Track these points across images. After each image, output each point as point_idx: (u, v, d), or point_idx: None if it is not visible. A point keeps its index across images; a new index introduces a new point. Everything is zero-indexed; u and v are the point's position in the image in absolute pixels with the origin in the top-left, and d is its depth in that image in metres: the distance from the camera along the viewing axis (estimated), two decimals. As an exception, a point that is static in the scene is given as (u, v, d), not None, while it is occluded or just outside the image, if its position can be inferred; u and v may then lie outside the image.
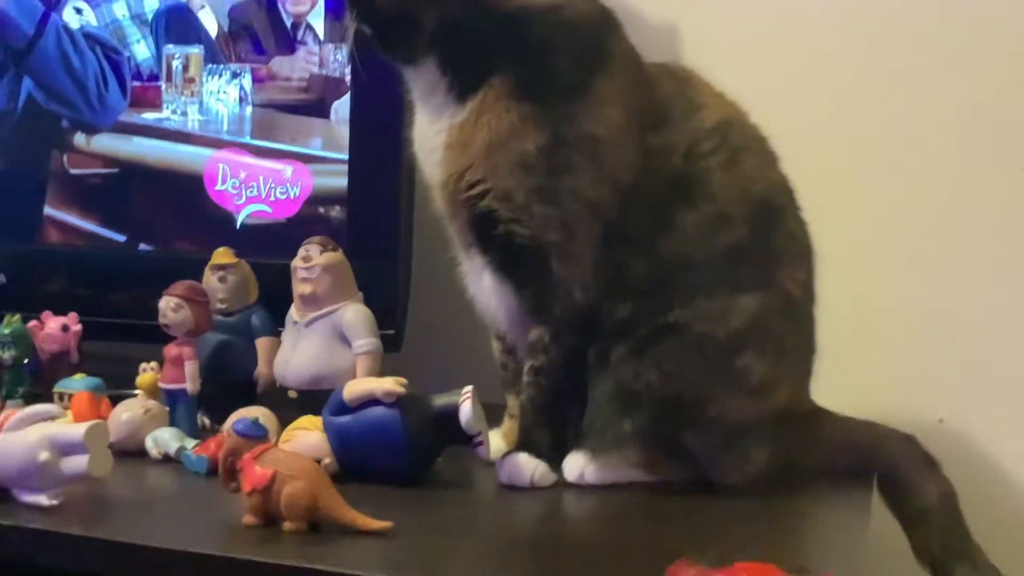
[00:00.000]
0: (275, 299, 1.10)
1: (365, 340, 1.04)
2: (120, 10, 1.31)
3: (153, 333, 1.05)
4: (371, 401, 0.92)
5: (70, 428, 0.85)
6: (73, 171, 1.34)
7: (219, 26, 1.28)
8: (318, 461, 0.87)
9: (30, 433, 0.85)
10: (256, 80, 1.26)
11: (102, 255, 1.33)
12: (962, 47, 1.18)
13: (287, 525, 0.80)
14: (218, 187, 1.26)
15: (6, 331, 1.14)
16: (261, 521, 0.81)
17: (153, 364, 1.06)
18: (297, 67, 1.25)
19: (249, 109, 1.27)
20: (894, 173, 1.21)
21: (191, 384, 1.03)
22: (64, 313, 1.19)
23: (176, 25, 1.30)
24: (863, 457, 1.01)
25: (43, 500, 0.84)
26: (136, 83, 1.31)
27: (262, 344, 1.11)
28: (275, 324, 1.11)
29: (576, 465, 0.95)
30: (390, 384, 0.92)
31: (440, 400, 0.94)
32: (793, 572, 0.69)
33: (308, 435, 0.94)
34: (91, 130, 1.33)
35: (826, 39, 1.22)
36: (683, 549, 0.73)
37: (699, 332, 0.94)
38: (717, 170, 0.96)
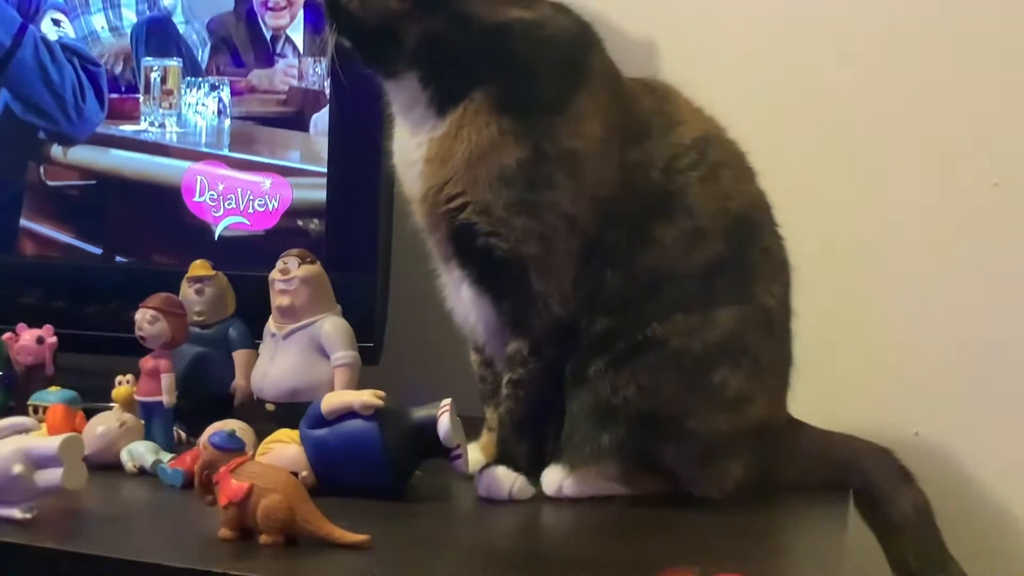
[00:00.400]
0: (253, 311, 1.10)
1: (343, 353, 1.04)
2: (99, 22, 1.31)
3: (129, 345, 1.05)
4: (349, 414, 0.92)
5: (44, 441, 0.85)
6: (50, 183, 1.34)
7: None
8: (295, 474, 0.86)
9: (4, 446, 0.84)
10: (235, 93, 1.26)
11: (78, 267, 1.32)
12: (936, 64, 1.20)
13: (264, 538, 0.79)
14: (196, 199, 1.26)
15: (-21, 344, 1.13)
16: (237, 534, 0.80)
17: (129, 377, 1.05)
18: (276, 80, 1.25)
19: (228, 121, 1.27)
20: (870, 188, 1.22)
21: (167, 397, 1.03)
22: (39, 325, 1.18)
23: (155, 37, 1.29)
24: (840, 470, 1.02)
25: (16, 513, 0.83)
26: (114, 95, 1.30)
27: (239, 356, 1.11)
28: (252, 336, 1.11)
29: (554, 478, 0.96)
30: (368, 397, 0.92)
31: (418, 413, 0.93)
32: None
33: (285, 448, 0.94)
34: (68, 142, 1.32)
35: (803, 56, 1.23)
36: (661, 562, 0.73)
37: (676, 346, 0.94)
38: (695, 185, 0.96)
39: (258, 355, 1.08)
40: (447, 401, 0.93)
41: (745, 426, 0.97)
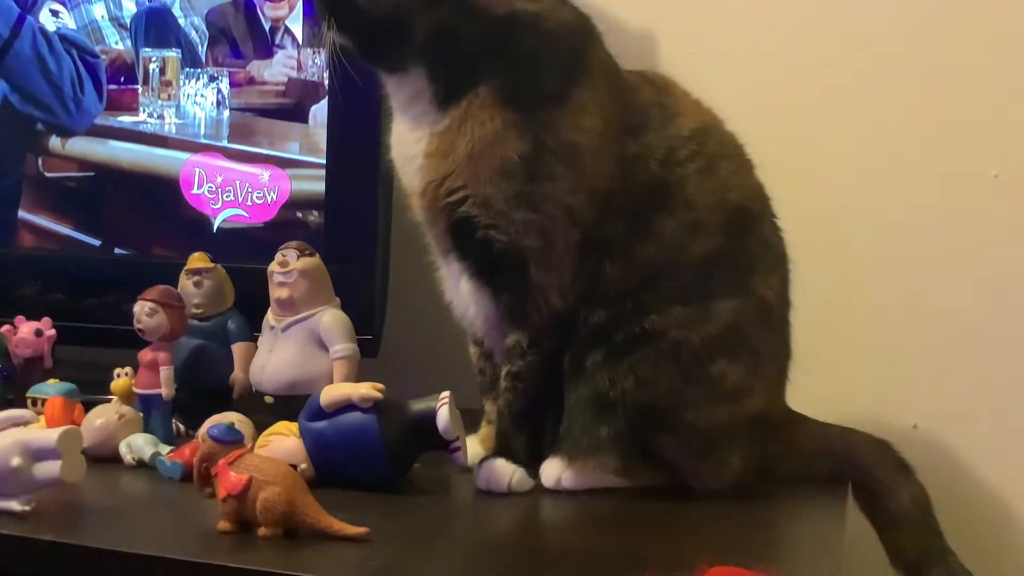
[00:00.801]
0: (252, 304, 1.09)
1: (342, 345, 1.04)
2: (99, 11, 1.30)
3: (128, 338, 1.05)
4: (348, 406, 0.92)
5: (43, 433, 0.85)
6: (48, 174, 1.33)
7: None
8: (294, 467, 0.86)
9: (2, 438, 0.84)
10: (233, 84, 1.26)
11: (77, 259, 1.32)
12: (936, 56, 1.19)
13: (262, 531, 0.79)
14: (194, 191, 1.26)
15: (-22, 336, 1.13)
16: (236, 527, 0.80)
17: (127, 369, 1.05)
18: (275, 71, 1.25)
19: (226, 113, 1.26)
20: (869, 179, 1.21)
21: (166, 389, 1.03)
22: (38, 318, 1.18)
23: (154, 28, 1.29)
24: (838, 463, 1.02)
25: (15, 506, 0.83)
26: (112, 86, 1.30)
27: (238, 349, 1.11)
28: (251, 329, 1.11)
29: (553, 471, 0.96)
30: (367, 389, 0.92)
31: (417, 405, 0.93)
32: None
33: (284, 440, 0.94)
34: (66, 133, 1.32)
35: (802, 48, 1.23)
36: (660, 554, 0.73)
37: (674, 339, 0.94)
38: (693, 177, 0.96)
39: (257, 348, 1.08)
40: (446, 394, 0.93)
41: (743, 418, 0.97)
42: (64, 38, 1.31)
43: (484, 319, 0.99)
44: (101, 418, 1.00)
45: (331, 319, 1.04)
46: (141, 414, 1.03)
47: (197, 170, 1.26)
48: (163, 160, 1.28)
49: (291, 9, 1.24)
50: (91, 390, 1.09)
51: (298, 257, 1.04)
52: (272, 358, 1.05)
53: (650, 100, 0.98)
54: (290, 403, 1.00)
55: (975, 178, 1.18)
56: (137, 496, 0.95)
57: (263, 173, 1.24)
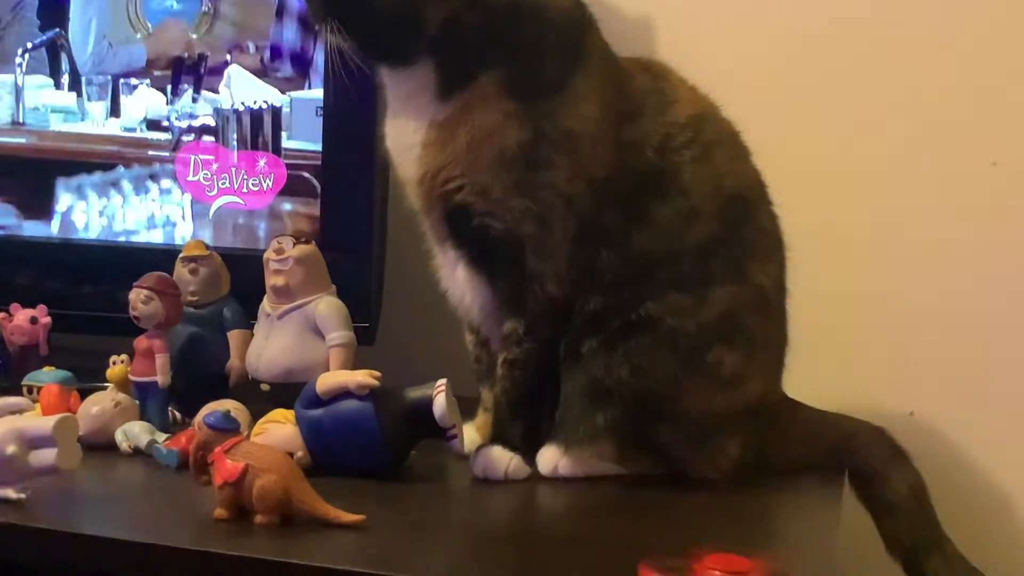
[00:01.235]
0: (247, 292, 1.09)
1: (338, 333, 1.03)
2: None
3: (123, 326, 1.04)
4: (344, 394, 0.92)
5: (38, 421, 0.84)
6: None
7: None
8: (291, 454, 0.86)
9: (-2, 426, 0.84)
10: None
11: (72, 247, 1.31)
12: (935, 42, 1.19)
13: (259, 518, 0.79)
14: (190, 178, 1.25)
15: (-27, 324, 1.13)
16: (232, 514, 0.80)
17: (123, 357, 1.05)
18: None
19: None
20: (866, 167, 1.21)
21: (162, 377, 1.03)
22: (33, 305, 1.18)
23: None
24: (834, 449, 1.02)
25: (10, 494, 0.83)
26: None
27: (234, 337, 1.10)
28: (247, 317, 1.10)
29: (550, 458, 0.96)
30: (363, 377, 0.92)
31: (414, 393, 0.93)
32: (762, 563, 0.69)
33: (280, 428, 0.94)
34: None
35: (801, 34, 1.23)
36: (656, 542, 0.73)
37: (670, 326, 0.94)
38: (689, 164, 0.96)
39: (253, 335, 1.08)
40: (442, 381, 0.93)
41: (740, 406, 0.97)
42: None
43: (480, 307, 0.99)
44: (97, 406, 1.00)
45: (327, 307, 1.04)
46: (137, 402, 1.03)
47: (192, 157, 1.25)
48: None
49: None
50: (87, 378, 1.09)
51: (294, 244, 1.04)
52: (268, 346, 1.05)
53: (646, 87, 0.98)
54: (286, 391, 1.00)
55: (973, 166, 1.18)
56: (133, 484, 0.95)
57: (259, 161, 1.23)
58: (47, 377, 1.07)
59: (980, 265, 1.18)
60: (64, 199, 1.30)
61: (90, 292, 1.26)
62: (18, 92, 1.31)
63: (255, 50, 1.25)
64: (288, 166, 1.22)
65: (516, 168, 0.92)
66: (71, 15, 1.30)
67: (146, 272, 1.04)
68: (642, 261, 0.95)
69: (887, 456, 1.01)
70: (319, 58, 1.21)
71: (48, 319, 1.17)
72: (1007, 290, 1.18)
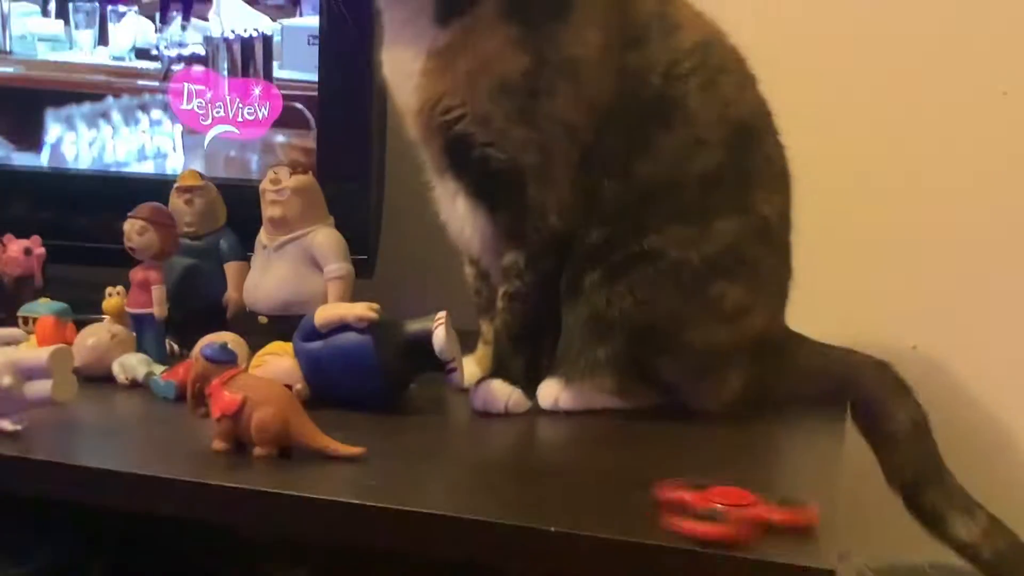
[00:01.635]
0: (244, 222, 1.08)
1: (336, 265, 1.02)
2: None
3: (119, 257, 1.03)
4: (343, 327, 0.91)
5: (33, 352, 0.84)
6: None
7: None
8: (289, 387, 0.86)
9: (-8, 357, 0.83)
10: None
11: (65, 177, 1.30)
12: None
13: (257, 451, 0.79)
14: (184, 107, 1.23)
15: (-33, 255, 1.12)
16: (230, 446, 0.80)
17: (119, 288, 1.04)
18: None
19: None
20: (874, 97, 1.19)
21: (158, 309, 1.02)
22: (27, 236, 1.16)
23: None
24: (837, 383, 1.02)
25: (6, 425, 0.83)
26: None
27: (231, 268, 1.10)
28: (244, 248, 1.09)
29: (550, 392, 0.95)
30: (362, 310, 0.91)
31: (413, 326, 0.93)
32: (765, 495, 0.69)
33: (279, 361, 0.93)
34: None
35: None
36: (658, 474, 0.73)
37: (673, 258, 0.93)
38: (695, 92, 0.94)
39: (250, 267, 1.07)
40: (442, 314, 0.92)
41: (743, 339, 0.97)
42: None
43: (480, 239, 0.98)
44: (93, 337, 1.00)
45: (325, 238, 1.03)
46: (134, 334, 1.02)
47: (186, 85, 1.23)
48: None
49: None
50: (83, 309, 1.08)
51: (290, 175, 1.03)
52: (265, 278, 1.04)
53: (651, 11, 0.96)
54: (284, 323, 1.00)
55: (983, 95, 1.16)
56: (130, 416, 0.95)
57: (254, 89, 1.21)
58: (43, 308, 1.06)
59: (987, 196, 1.17)
60: (53, 130, 1.28)
61: (84, 223, 1.24)
62: (4, 20, 1.28)
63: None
64: (284, 96, 1.20)
65: (517, 96, 0.90)
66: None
67: (140, 202, 1.03)
68: (645, 191, 0.93)
69: (890, 389, 1.01)
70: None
71: (42, 250, 1.16)
72: (1013, 222, 1.17)
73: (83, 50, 1.27)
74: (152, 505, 0.77)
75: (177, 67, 1.23)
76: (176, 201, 1.09)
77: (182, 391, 0.91)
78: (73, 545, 1.03)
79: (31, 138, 1.28)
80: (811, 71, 1.19)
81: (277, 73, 1.20)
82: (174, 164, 1.24)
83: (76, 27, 1.27)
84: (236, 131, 1.22)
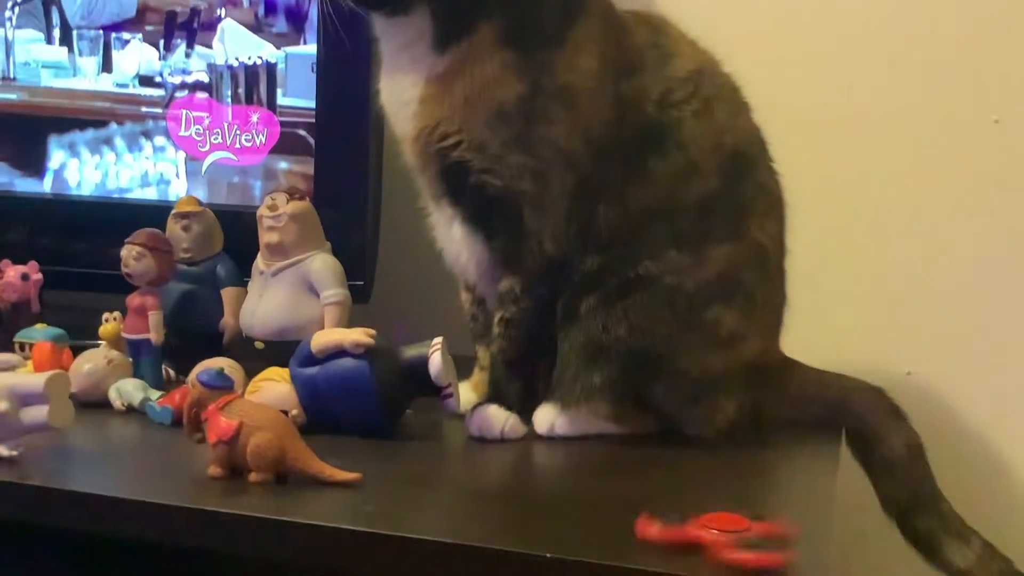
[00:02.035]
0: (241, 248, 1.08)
1: (333, 290, 1.03)
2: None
3: (116, 283, 1.03)
4: (339, 352, 0.92)
5: (30, 378, 0.84)
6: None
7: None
8: (285, 412, 0.86)
9: (-11, 383, 0.83)
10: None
11: (63, 203, 1.30)
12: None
13: (253, 476, 0.79)
14: (182, 133, 1.24)
15: (-36, 280, 1.12)
16: (227, 472, 0.80)
17: (116, 314, 1.04)
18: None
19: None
20: (868, 124, 1.20)
21: (155, 334, 1.02)
22: (24, 262, 1.17)
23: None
24: (832, 409, 1.02)
25: (2, 451, 0.83)
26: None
27: (228, 294, 1.10)
28: (241, 274, 1.09)
29: (546, 417, 0.95)
30: (358, 335, 0.91)
31: (409, 352, 0.93)
32: (759, 521, 0.69)
33: (275, 386, 0.93)
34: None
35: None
36: (652, 501, 0.73)
37: (669, 284, 0.93)
38: (689, 119, 0.95)
39: (247, 293, 1.07)
40: (438, 340, 0.92)
41: (738, 364, 0.97)
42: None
43: (477, 265, 0.98)
44: (89, 363, 1.00)
45: (322, 264, 1.03)
46: (130, 359, 1.02)
47: (184, 112, 1.23)
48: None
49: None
50: (79, 335, 1.08)
51: (288, 201, 1.03)
52: (262, 303, 1.04)
53: (646, 41, 0.97)
54: (281, 348, 1.00)
55: (975, 123, 1.17)
56: (127, 442, 0.95)
57: (252, 115, 1.22)
58: (39, 334, 1.06)
59: (981, 224, 1.18)
60: (57, 156, 1.28)
61: (82, 249, 1.25)
62: (8, 46, 1.29)
63: (249, 4, 1.23)
64: (283, 123, 1.21)
65: (514, 123, 0.91)
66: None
67: (140, 228, 1.03)
68: (640, 218, 0.94)
69: (884, 416, 1.01)
70: (314, 13, 1.19)
71: (39, 275, 1.16)
72: (1007, 250, 1.17)
73: (87, 77, 1.27)
74: (148, 531, 0.77)
75: (181, 94, 1.24)
76: (173, 227, 1.09)
77: (178, 417, 0.91)
78: (69, 571, 1.02)
79: (34, 164, 1.29)
80: (805, 98, 1.19)
81: (281, 100, 1.21)
82: (177, 191, 1.24)
83: (80, 54, 1.27)
84: (234, 157, 1.22)
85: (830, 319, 1.17)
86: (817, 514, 0.80)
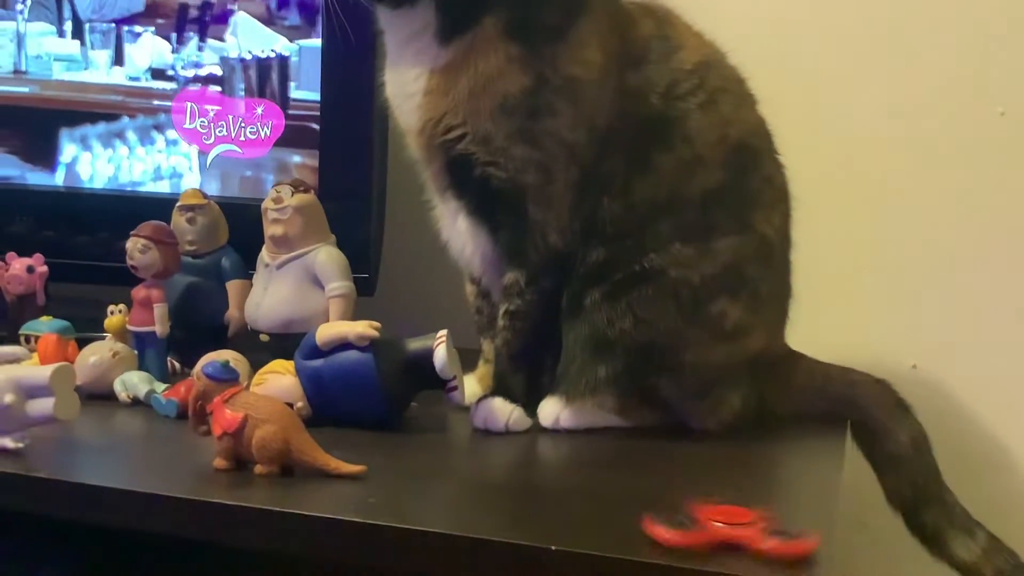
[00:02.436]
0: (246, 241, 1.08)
1: (338, 283, 1.03)
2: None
3: (121, 275, 1.04)
4: (344, 345, 0.92)
5: (35, 370, 0.84)
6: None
7: None
8: (290, 405, 0.86)
9: (-6, 375, 0.83)
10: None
11: (69, 195, 1.30)
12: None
13: (258, 469, 0.79)
14: (187, 126, 1.24)
15: (-30, 273, 1.12)
16: (232, 465, 0.80)
17: (121, 306, 1.04)
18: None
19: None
20: (873, 117, 1.20)
21: (160, 327, 1.02)
22: (29, 254, 1.17)
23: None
24: (837, 402, 1.02)
25: (8, 443, 0.83)
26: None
27: (233, 287, 1.10)
28: (246, 266, 1.09)
29: (551, 410, 0.95)
30: (363, 328, 0.91)
31: (414, 344, 0.93)
32: (765, 515, 0.69)
33: (280, 379, 0.93)
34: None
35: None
36: (657, 494, 0.73)
37: (674, 277, 0.93)
38: (695, 112, 0.95)
39: (252, 285, 1.07)
40: (443, 332, 0.92)
41: (743, 358, 0.97)
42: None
43: (481, 257, 0.98)
44: (95, 355, 1.00)
45: (327, 256, 1.03)
46: (135, 352, 1.02)
47: (188, 104, 1.23)
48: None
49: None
50: (85, 327, 1.08)
51: (293, 193, 1.03)
52: (267, 296, 1.04)
53: (651, 33, 0.96)
54: (286, 341, 1.00)
55: (981, 115, 1.16)
56: (132, 434, 0.95)
57: (256, 108, 1.22)
58: (45, 327, 1.06)
59: (987, 216, 1.17)
60: (68, 150, 1.28)
61: (88, 241, 1.25)
62: (20, 40, 1.29)
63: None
64: (296, 116, 1.20)
65: (518, 116, 0.91)
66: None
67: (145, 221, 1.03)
68: (645, 211, 0.93)
69: (890, 409, 1.01)
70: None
71: (45, 268, 1.16)
72: (1012, 243, 1.17)
73: (99, 70, 1.27)
74: (153, 523, 0.77)
75: (195, 88, 1.24)
76: (178, 219, 1.09)
77: (183, 409, 0.91)
78: (74, 563, 1.03)
79: (46, 158, 1.29)
80: (811, 91, 1.19)
81: (294, 94, 1.21)
82: (190, 184, 1.24)
83: (92, 47, 1.27)
84: (238, 150, 1.22)
85: (835, 312, 1.17)
86: (822, 507, 0.80)
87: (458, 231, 0.98)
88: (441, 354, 0.91)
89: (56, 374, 0.82)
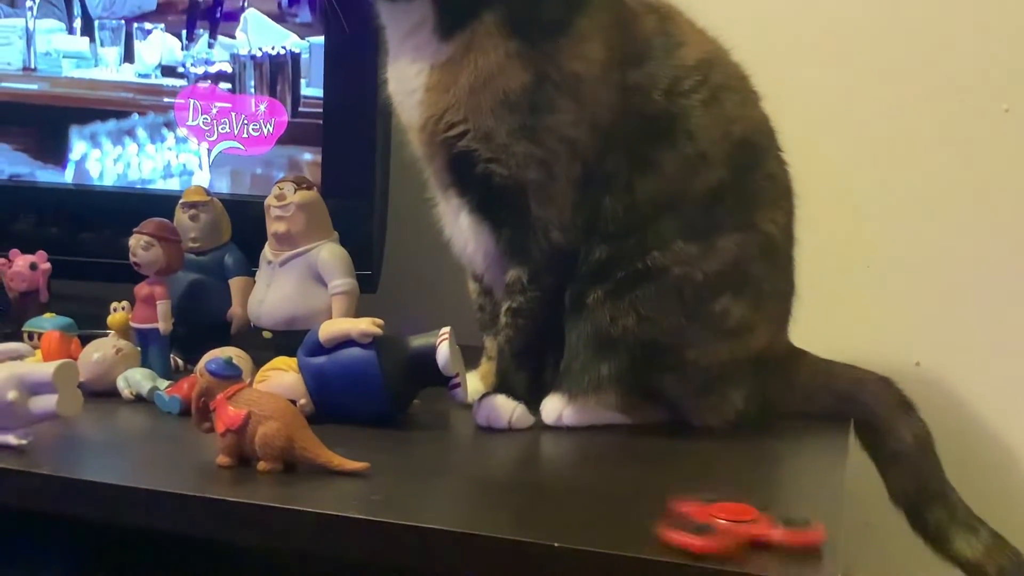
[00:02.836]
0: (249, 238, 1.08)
1: (341, 280, 1.03)
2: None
3: (124, 272, 1.04)
4: (347, 342, 0.92)
5: (39, 367, 0.84)
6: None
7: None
8: (293, 402, 0.86)
9: (-2, 372, 0.83)
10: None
11: (71, 192, 1.30)
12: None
13: (262, 465, 0.79)
14: (190, 123, 1.24)
15: (-27, 270, 1.12)
16: (235, 461, 0.80)
17: (124, 303, 1.04)
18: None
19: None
20: (877, 114, 1.20)
21: (163, 324, 1.02)
22: (32, 251, 1.17)
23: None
24: (840, 399, 1.02)
25: (11, 440, 0.83)
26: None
27: (236, 284, 1.10)
28: (249, 263, 1.09)
29: (554, 407, 0.95)
30: (366, 325, 0.91)
31: (417, 341, 0.93)
32: (768, 511, 0.69)
33: (283, 376, 0.93)
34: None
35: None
36: (660, 491, 0.73)
37: (677, 275, 0.93)
38: (698, 109, 0.94)
39: (255, 282, 1.07)
40: (446, 329, 0.92)
41: (746, 355, 0.97)
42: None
43: (484, 254, 0.98)
44: (98, 352, 1.00)
45: (329, 253, 1.03)
46: (138, 348, 1.02)
47: (191, 101, 1.23)
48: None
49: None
50: (88, 324, 1.09)
51: (295, 190, 1.03)
52: (270, 293, 1.04)
53: (654, 29, 0.96)
54: (289, 338, 1.00)
55: (985, 112, 1.16)
56: (135, 431, 0.95)
57: (259, 105, 1.22)
58: (48, 323, 1.06)
59: (991, 214, 1.17)
60: (78, 147, 1.28)
61: (91, 238, 1.25)
62: (29, 37, 1.29)
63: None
64: (307, 114, 1.20)
65: (520, 112, 0.91)
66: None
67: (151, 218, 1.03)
68: (648, 208, 0.93)
69: (893, 406, 1.01)
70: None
71: (48, 265, 1.17)
72: (1017, 240, 1.17)
73: (108, 67, 1.27)
74: (156, 520, 0.77)
75: (205, 85, 1.23)
76: (181, 216, 1.09)
77: (186, 406, 0.91)
78: (77, 560, 1.03)
79: (55, 155, 1.29)
80: (814, 87, 1.19)
81: (304, 91, 1.21)
82: (199, 182, 1.24)
83: (101, 44, 1.27)
84: (241, 147, 1.22)
85: (839, 309, 1.17)
86: (825, 505, 0.80)
87: (460, 228, 0.98)
88: (444, 351, 0.91)
89: (59, 371, 0.82)
